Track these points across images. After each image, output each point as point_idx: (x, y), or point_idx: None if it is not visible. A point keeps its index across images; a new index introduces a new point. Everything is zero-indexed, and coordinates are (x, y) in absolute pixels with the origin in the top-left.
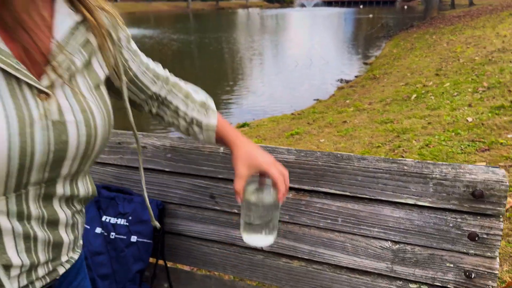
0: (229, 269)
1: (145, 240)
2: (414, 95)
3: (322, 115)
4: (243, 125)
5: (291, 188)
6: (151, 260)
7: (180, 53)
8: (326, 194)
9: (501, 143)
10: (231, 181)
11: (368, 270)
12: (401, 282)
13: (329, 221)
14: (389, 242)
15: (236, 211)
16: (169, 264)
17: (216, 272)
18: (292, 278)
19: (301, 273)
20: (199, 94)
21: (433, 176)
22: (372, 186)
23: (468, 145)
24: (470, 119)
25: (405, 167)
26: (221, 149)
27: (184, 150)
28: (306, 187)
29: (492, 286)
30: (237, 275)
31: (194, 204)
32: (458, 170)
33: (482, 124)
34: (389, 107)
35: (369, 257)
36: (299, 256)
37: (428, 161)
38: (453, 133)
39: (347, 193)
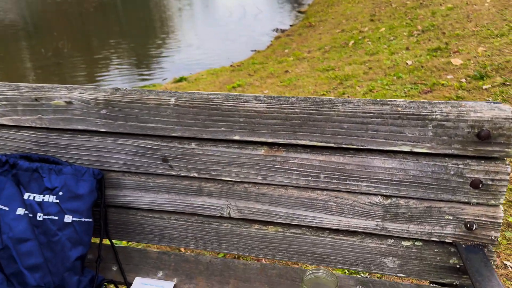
0: (192, 243)
1: (83, 219)
2: (352, 42)
3: (263, 66)
4: (180, 79)
5: (262, 143)
6: (94, 241)
7: (102, 7)
8: (306, 147)
9: (442, 84)
10: (187, 139)
11: (355, 230)
12: (392, 241)
13: (309, 178)
14: (380, 197)
15: (196, 175)
16: (117, 243)
17: (176, 247)
18: (266, 246)
19: (277, 240)
20: None
21: (433, 117)
22: (360, 134)
23: (411, 88)
24: (409, 62)
25: (399, 109)
26: (172, 99)
27: (122, 103)
28: (281, 141)
29: (495, 236)
30: (202, 248)
31: (142, 170)
32: (459, 108)
33: (422, 66)
34: (329, 54)
35: (356, 215)
36: (275, 221)
37: (423, 101)
38: (395, 77)
39: (331, 145)
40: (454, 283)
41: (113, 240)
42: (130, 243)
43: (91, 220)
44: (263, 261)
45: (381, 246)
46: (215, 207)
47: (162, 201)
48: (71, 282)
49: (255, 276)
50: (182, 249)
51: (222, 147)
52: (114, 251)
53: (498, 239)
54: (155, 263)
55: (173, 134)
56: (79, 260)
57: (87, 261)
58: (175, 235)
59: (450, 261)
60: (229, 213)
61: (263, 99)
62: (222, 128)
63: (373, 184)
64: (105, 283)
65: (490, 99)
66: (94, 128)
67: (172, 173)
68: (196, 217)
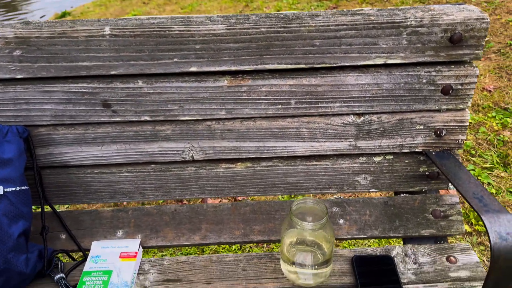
0: (151, 194)
1: (17, 188)
2: None
3: None
4: (63, 14)
5: (224, 73)
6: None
7: None
8: (274, 72)
9: (347, 0)
10: (131, 77)
11: (328, 153)
12: (364, 158)
13: (279, 106)
14: (353, 116)
15: (148, 118)
16: (62, 209)
17: (133, 202)
18: (236, 185)
19: (247, 176)
20: None
21: (407, 24)
22: (333, 50)
23: (317, 6)
24: None
25: (372, 18)
26: (106, 29)
27: (42, 40)
28: (246, 67)
29: (461, 139)
30: (164, 198)
31: (79, 120)
32: (431, 12)
33: None
34: None
35: (329, 138)
36: (244, 157)
37: (392, 8)
38: None
39: (302, 66)
40: (423, 190)
41: (56, 206)
42: (77, 206)
43: (27, 187)
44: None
45: (354, 165)
46: (175, 152)
47: (109, 154)
48: (17, 263)
49: (227, 216)
50: (140, 203)
51: (177, 82)
52: (59, 217)
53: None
54: (111, 223)
55: (112, 72)
56: (22, 236)
57: (31, 235)
58: (130, 189)
59: (420, 169)
60: (191, 156)
61: (219, 19)
62: (175, 59)
63: (346, 104)
64: (57, 255)
65: None
66: (7, 76)
67: (118, 119)
68: (153, 166)
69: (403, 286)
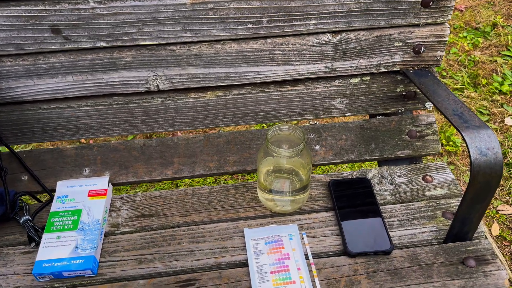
0: (116, 129)
1: None
2: None
3: None
4: None
5: None
6: None
7: None
8: None
9: None
10: None
11: (303, 77)
12: (340, 81)
13: (250, 26)
14: (329, 34)
15: (104, 44)
16: (19, 149)
17: (97, 138)
18: (207, 115)
19: (219, 106)
20: None
21: None
22: None
23: None
24: None
25: None
26: None
27: None
28: None
29: (440, 56)
30: (130, 133)
31: (27, 49)
32: None
33: None
34: None
35: (304, 60)
36: (214, 85)
37: None
38: None
39: None
40: (399, 111)
41: (14, 147)
42: (36, 145)
43: None
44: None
45: (330, 89)
46: (137, 82)
47: (65, 86)
48: None
49: (200, 149)
50: (106, 139)
51: (133, 1)
52: (18, 158)
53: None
54: (76, 161)
55: None
56: None
57: None
58: (92, 124)
59: (397, 90)
60: (157, 86)
61: None
62: None
63: (321, 21)
64: (20, 197)
65: None
66: None
67: (70, 46)
68: (115, 98)
69: (380, 207)
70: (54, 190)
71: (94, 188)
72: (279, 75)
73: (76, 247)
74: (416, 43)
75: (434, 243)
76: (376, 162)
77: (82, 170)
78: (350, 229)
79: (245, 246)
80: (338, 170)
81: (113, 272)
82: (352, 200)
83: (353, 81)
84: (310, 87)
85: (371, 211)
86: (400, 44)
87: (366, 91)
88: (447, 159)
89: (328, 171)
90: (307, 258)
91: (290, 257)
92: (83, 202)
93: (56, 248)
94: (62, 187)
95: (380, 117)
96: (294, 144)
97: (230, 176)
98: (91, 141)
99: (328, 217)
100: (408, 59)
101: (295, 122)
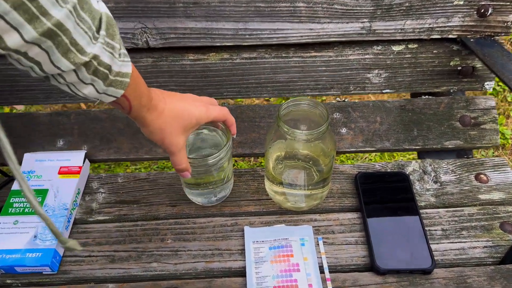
0: None
1: None
2: None
3: None
4: None
5: None
6: None
7: None
8: None
9: None
10: None
11: (332, 40)
12: (379, 48)
13: None
14: None
15: None
16: None
17: (75, 103)
18: (209, 84)
19: (223, 72)
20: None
21: None
22: None
23: None
24: None
25: None
26: None
27: None
28: None
29: (510, 22)
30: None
31: None
32: None
33: None
34: None
35: (335, 18)
36: (218, 44)
37: None
38: None
39: None
40: (451, 90)
41: None
42: (3, 108)
43: None
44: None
45: (365, 57)
46: (122, 36)
47: None
48: None
49: None
50: (84, 106)
51: None
52: None
53: None
54: (50, 129)
55: None
56: None
57: None
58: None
59: (451, 63)
60: (146, 41)
61: None
62: None
63: None
64: None
65: None
66: None
67: None
68: None
69: (420, 211)
70: (20, 163)
71: (66, 164)
72: (301, 36)
73: (35, 237)
74: (483, 3)
75: (488, 263)
76: (415, 153)
77: (56, 141)
78: (380, 238)
79: (244, 249)
80: (368, 160)
81: (77, 271)
82: (384, 199)
83: (396, 48)
84: (341, 53)
85: (408, 215)
86: (461, 2)
87: (412, 62)
88: (493, 153)
89: (355, 161)
90: (322, 271)
91: (300, 269)
92: (51, 180)
93: (10, 236)
94: (29, 160)
95: (426, 97)
96: (314, 125)
97: (234, 160)
98: (68, 107)
99: (352, 219)
100: (470, 23)
101: (318, 98)
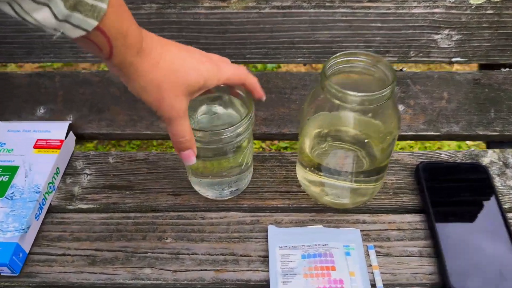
0: (89, 53)
1: None
2: None
3: None
4: None
5: None
6: None
7: None
8: None
9: None
10: None
11: None
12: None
13: None
14: None
15: None
16: None
17: (61, 62)
18: (228, 41)
19: (247, 26)
20: None
21: None
22: None
23: None
24: None
25: None
26: None
27: None
28: None
29: None
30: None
31: None
32: None
33: None
34: None
35: None
36: None
37: None
38: None
39: None
40: None
41: None
42: None
43: None
44: None
45: (434, 11)
46: None
47: None
48: None
49: None
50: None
51: None
52: None
53: None
54: (28, 94)
55: None
56: None
57: None
58: (55, 42)
59: None
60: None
61: None
62: None
63: None
64: None
65: None
66: None
67: None
68: None
69: (506, 215)
70: None
71: (45, 136)
72: None
73: None
74: None
75: None
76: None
77: (36, 109)
78: (453, 249)
79: (267, 256)
80: (433, 147)
81: (46, 274)
82: (457, 198)
83: (474, 1)
84: (402, 5)
85: (489, 219)
86: None
87: (494, 21)
88: None
89: (415, 148)
90: None
91: (345, 287)
92: (24, 156)
93: None
94: (1, 130)
95: (507, 69)
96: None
97: (255, 143)
98: (52, 68)
99: (413, 223)
100: None
101: None
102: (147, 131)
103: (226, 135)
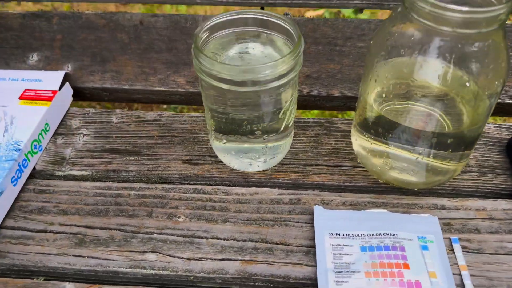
0: None
1: None
2: None
3: None
4: None
5: None
6: None
7: None
8: None
9: None
10: None
11: None
12: None
13: None
14: None
15: None
16: None
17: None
18: None
19: None
20: None
21: None
22: None
23: None
24: None
25: None
26: None
27: None
28: None
29: None
30: None
31: None
32: None
33: None
34: None
35: None
36: None
37: None
38: None
39: None
40: None
41: None
42: None
43: None
44: None
45: None
46: None
47: None
48: None
49: None
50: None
51: None
52: None
53: None
54: (20, 38)
55: None
56: None
57: None
58: None
59: None
60: None
61: None
62: None
63: None
64: None
65: None
66: None
67: None
68: None
69: None
70: None
71: (35, 86)
72: None
73: None
74: None
75: None
76: None
77: (28, 56)
78: None
79: (313, 246)
80: None
81: (19, 255)
82: None
83: None
84: None
85: None
86: None
87: None
88: None
89: (501, 120)
90: None
91: None
92: (6, 107)
93: None
94: None
95: None
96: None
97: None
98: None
99: (509, 211)
100: None
101: None
102: (161, 87)
103: (264, 74)
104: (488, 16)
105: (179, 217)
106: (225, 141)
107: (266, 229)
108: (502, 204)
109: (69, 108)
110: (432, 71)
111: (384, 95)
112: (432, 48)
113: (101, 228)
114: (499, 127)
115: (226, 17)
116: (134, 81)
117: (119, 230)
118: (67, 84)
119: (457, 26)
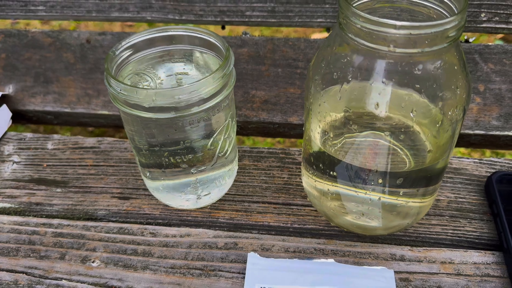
0: (39, 4)
1: None
2: None
3: None
4: None
5: None
6: None
7: None
8: None
9: None
10: None
11: None
12: None
13: None
14: None
15: None
16: None
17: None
18: None
19: None
20: None
21: None
22: None
23: None
24: None
25: None
26: None
27: None
28: None
29: None
30: (66, 16)
31: None
32: None
33: None
34: None
35: None
36: None
37: None
38: None
39: None
40: None
41: None
42: None
43: None
44: None
45: None
46: None
47: None
48: None
49: None
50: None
51: None
52: None
53: None
54: None
55: None
56: None
57: None
58: None
59: None
60: None
61: None
62: None
63: None
64: None
65: None
66: None
67: None
68: None
69: None
70: None
71: None
72: None
73: None
74: None
75: None
76: None
77: None
78: None
79: None
80: (501, 155)
81: None
82: None
83: None
84: None
85: None
86: None
87: None
88: None
89: (485, 155)
90: None
91: None
92: None
93: None
94: None
95: None
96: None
97: (247, 138)
98: None
99: (483, 265)
100: None
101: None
102: (104, 110)
103: (181, 97)
104: (430, 32)
105: (93, 262)
106: (149, 175)
107: (190, 280)
108: (474, 256)
109: (6, 132)
110: (369, 98)
111: (321, 127)
112: (368, 72)
113: (7, 271)
114: (480, 162)
115: (150, 34)
116: (76, 104)
117: (25, 273)
118: (4, 106)
119: (395, 45)
